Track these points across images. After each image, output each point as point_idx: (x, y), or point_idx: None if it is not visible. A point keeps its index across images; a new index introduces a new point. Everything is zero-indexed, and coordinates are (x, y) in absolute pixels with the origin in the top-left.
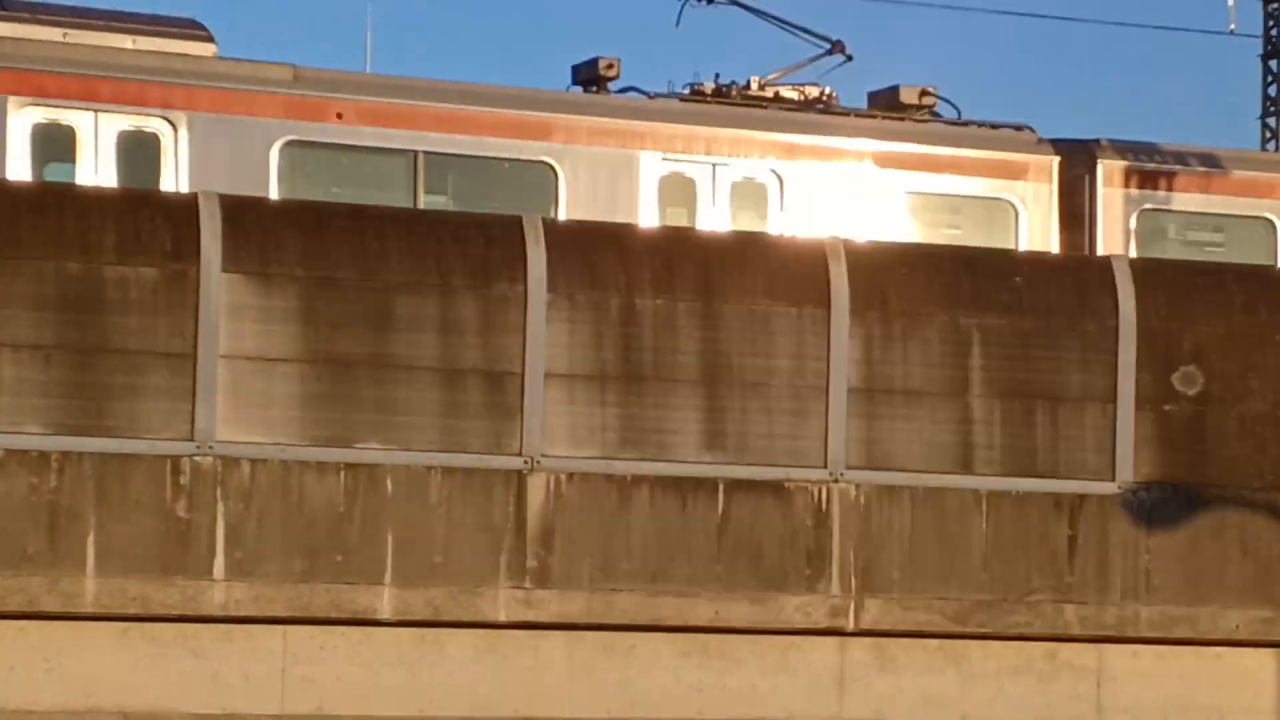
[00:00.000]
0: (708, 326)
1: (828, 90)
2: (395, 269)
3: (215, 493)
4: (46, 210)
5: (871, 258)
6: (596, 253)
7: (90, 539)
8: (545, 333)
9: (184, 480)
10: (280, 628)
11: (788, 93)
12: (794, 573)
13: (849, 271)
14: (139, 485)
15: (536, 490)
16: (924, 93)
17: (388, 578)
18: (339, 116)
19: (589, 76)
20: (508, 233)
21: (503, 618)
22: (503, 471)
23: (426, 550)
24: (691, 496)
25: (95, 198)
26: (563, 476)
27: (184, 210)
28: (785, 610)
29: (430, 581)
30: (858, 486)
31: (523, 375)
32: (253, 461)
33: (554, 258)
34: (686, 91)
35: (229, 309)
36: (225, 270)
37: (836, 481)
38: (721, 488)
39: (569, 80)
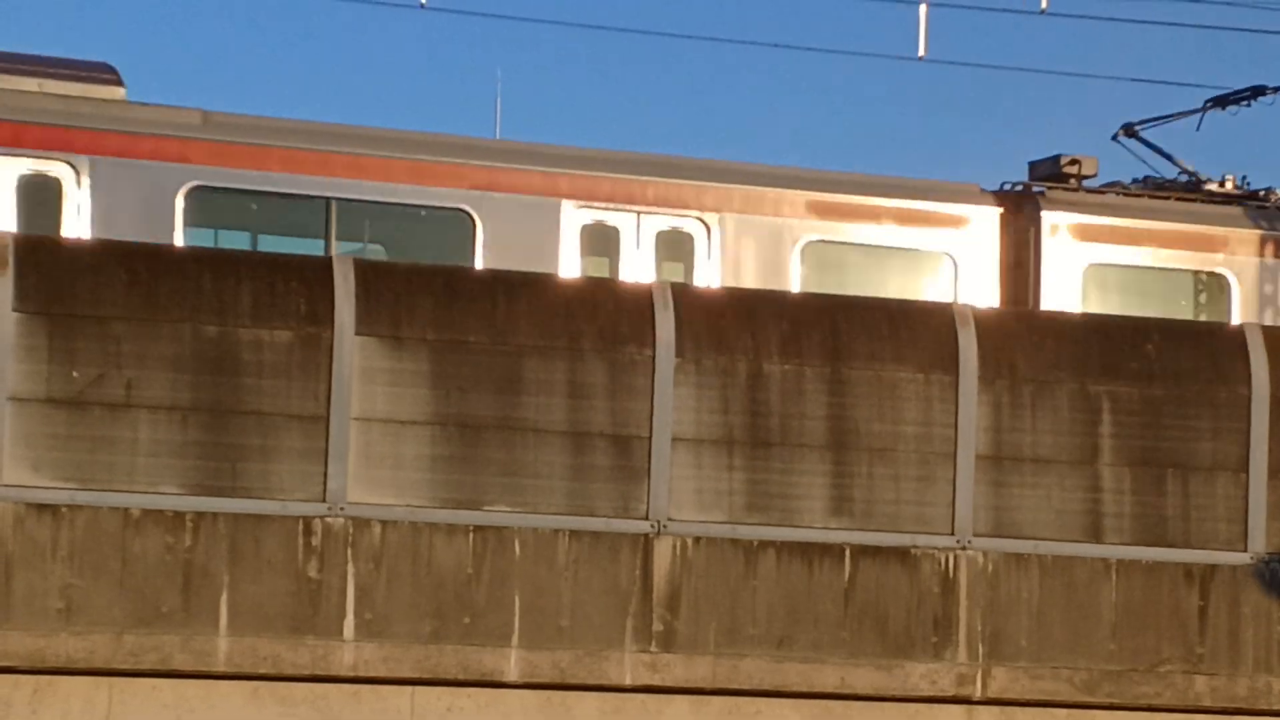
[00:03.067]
0: (835, 392)
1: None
2: (525, 333)
3: (346, 553)
4: (185, 273)
5: (1000, 324)
6: (724, 318)
7: (223, 598)
8: (673, 397)
9: (315, 541)
10: (408, 689)
11: None
12: (920, 640)
13: (978, 338)
14: (271, 545)
15: (663, 554)
16: None
17: (515, 640)
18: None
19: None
20: (637, 298)
21: (628, 681)
22: (629, 535)
23: (553, 613)
24: (818, 562)
25: (233, 260)
26: (689, 541)
27: (318, 273)
28: (911, 678)
29: (557, 644)
30: (985, 554)
31: (650, 439)
32: (383, 523)
33: (682, 322)
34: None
35: (361, 371)
36: (358, 333)
37: (964, 549)
38: (848, 554)
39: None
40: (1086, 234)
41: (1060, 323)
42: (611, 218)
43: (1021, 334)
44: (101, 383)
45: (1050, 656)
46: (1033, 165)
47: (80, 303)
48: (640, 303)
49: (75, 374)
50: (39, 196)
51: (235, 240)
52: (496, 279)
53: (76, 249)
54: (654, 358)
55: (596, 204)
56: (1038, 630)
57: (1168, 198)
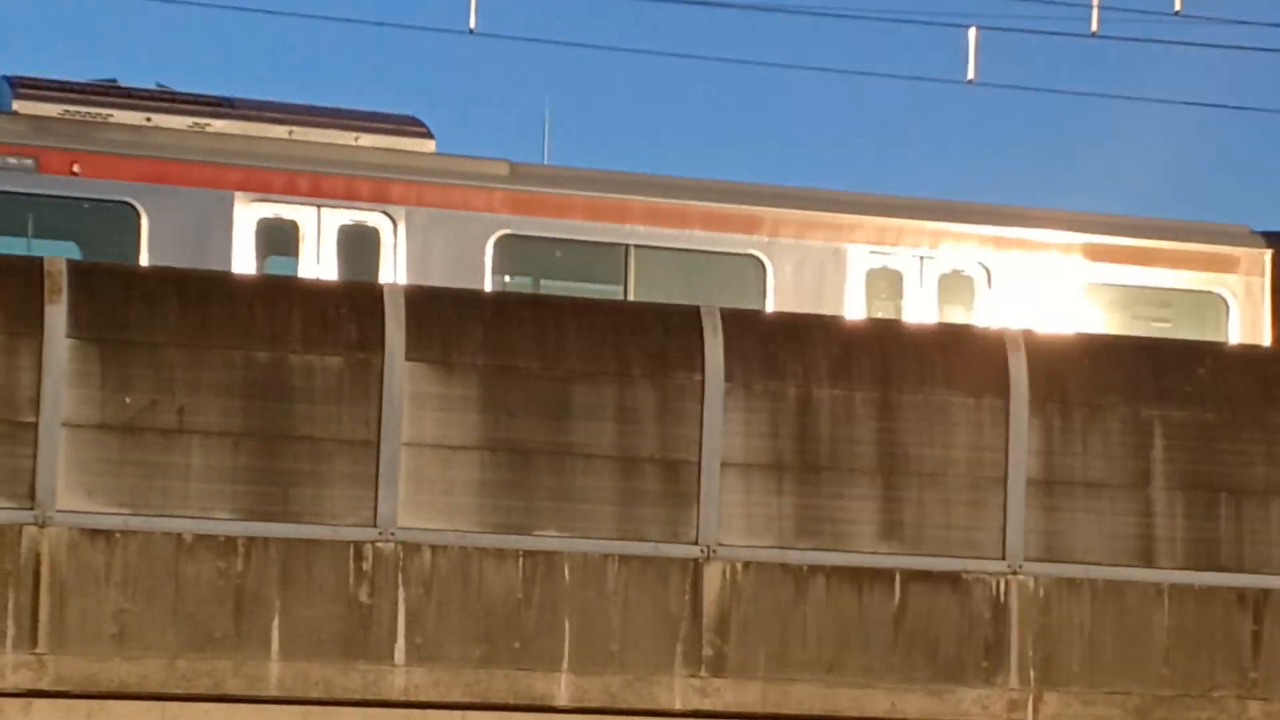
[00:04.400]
0: (885, 416)
1: None
2: (574, 358)
3: (397, 578)
4: (237, 299)
5: (1051, 348)
6: (774, 342)
7: (275, 623)
8: (722, 421)
9: (366, 566)
10: (459, 713)
11: None
12: (971, 665)
13: (1029, 362)
14: (323, 570)
15: (712, 579)
16: None
17: (565, 664)
18: None
19: None
20: (686, 322)
21: (678, 706)
22: (679, 560)
23: (603, 638)
24: (868, 587)
25: (284, 287)
26: (739, 565)
27: (369, 300)
28: (963, 703)
29: (606, 669)
30: (1037, 579)
31: (699, 464)
32: (433, 548)
33: (731, 347)
34: None
35: (411, 397)
36: (409, 359)
37: (1015, 574)
38: (898, 578)
39: None
40: None
41: (1111, 346)
42: (892, 260)
43: (1072, 358)
44: (154, 408)
45: (1102, 682)
46: None
47: (133, 329)
48: (689, 327)
49: (128, 400)
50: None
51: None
52: (545, 304)
53: (130, 275)
54: (703, 382)
55: (882, 248)
56: (1090, 655)
57: None
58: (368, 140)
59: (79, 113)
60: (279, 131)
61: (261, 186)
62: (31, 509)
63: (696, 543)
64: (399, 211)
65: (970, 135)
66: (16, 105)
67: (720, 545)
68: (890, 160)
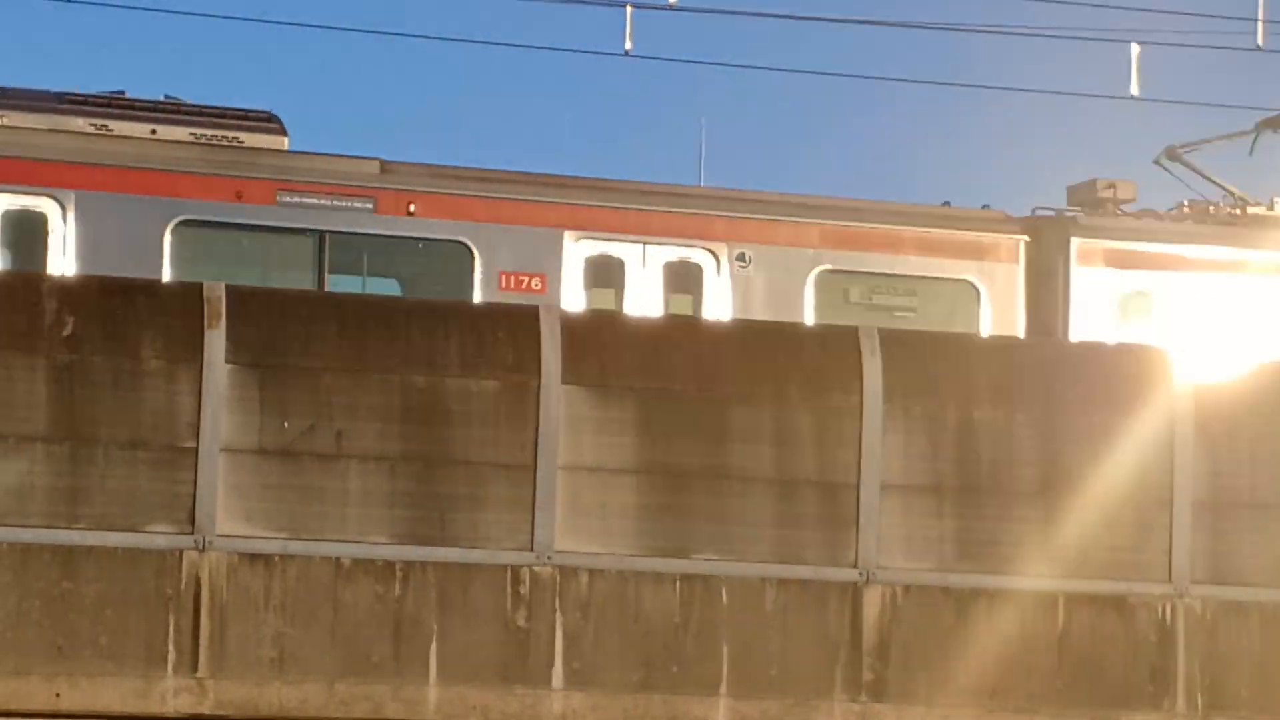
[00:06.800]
0: (1046, 437)
1: None
2: (730, 380)
3: (554, 603)
4: (393, 323)
5: (1217, 367)
6: (933, 363)
7: (433, 647)
8: (881, 443)
9: (524, 590)
10: None
11: None
12: (1137, 690)
13: (1193, 381)
14: (480, 595)
15: (872, 603)
16: None
17: (723, 689)
18: None
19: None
20: (843, 343)
21: None
22: (838, 583)
23: (762, 662)
24: (1031, 611)
25: (440, 311)
26: (899, 589)
27: (525, 323)
28: None
29: (765, 693)
30: (1204, 602)
31: (858, 486)
32: (591, 571)
33: (890, 368)
34: None
35: (568, 420)
36: (565, 382)
37: (1181, 597)
38: (1062, 602)
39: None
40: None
41: (1278, 366)
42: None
43: (1237, 378)
44: (312, 433)
45: (1273, 707)
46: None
47: (291, 354)
48: (846, 348)
49: (286, 425)
50: None
51: None
52: (700, 327)
53: (287, 301)
54: (861, 403)
55: None
56: (1259, 680)
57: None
58: None
59: None
60: None
61: None
62: (191, 533)
63: (856, 566)
64: None
65: (1133, 149)
66: None
67: (880, 568)
68: (1055, 175)
